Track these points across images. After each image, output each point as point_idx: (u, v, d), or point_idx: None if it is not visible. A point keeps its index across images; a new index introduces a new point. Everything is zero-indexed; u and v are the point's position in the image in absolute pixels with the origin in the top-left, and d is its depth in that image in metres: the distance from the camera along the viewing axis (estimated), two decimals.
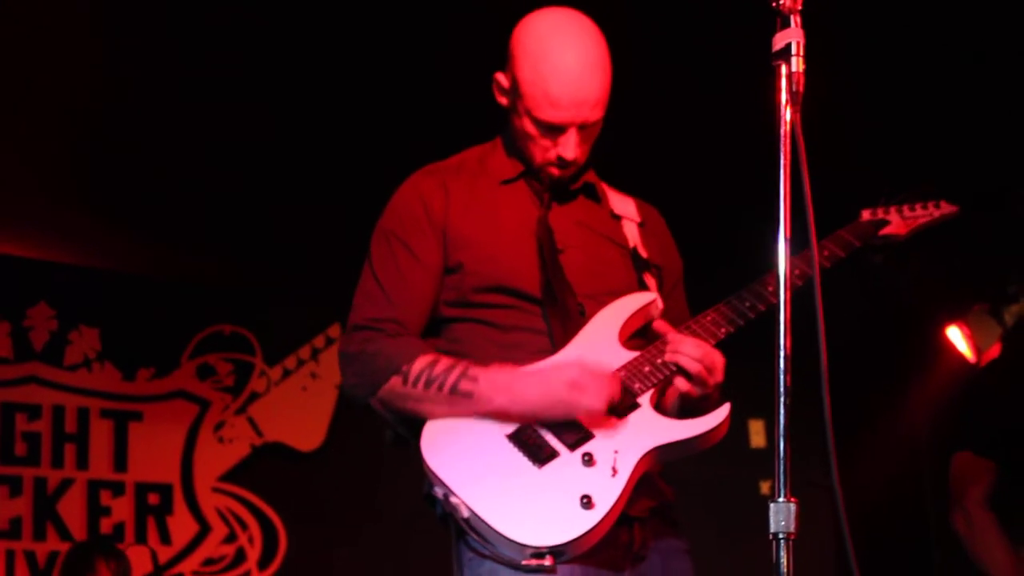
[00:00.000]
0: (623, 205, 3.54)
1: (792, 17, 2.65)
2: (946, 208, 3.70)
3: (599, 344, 3.27)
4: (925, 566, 7.68)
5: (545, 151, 3.34)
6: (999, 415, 4.59)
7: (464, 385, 3.14)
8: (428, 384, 3.16)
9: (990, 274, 6.74)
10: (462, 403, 3.14)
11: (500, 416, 3.13)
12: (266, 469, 8.15)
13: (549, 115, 3.26)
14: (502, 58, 3.40)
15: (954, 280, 6.67)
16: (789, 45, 2.64)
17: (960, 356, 6.95)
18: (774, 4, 2.66)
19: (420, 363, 3.16)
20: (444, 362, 3.17)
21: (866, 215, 3.62)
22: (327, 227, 3.39)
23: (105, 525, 7.78)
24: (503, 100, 3.42)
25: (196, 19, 5.43)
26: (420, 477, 3.19)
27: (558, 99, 3.25)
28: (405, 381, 3.16)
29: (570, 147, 3.32)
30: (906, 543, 7.15)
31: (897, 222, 3.64)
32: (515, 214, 3.40)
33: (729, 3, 3.42)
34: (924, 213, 3.67)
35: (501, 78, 3.39)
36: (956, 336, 6.93)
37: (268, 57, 5.70)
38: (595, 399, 3.06)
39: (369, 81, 5.81)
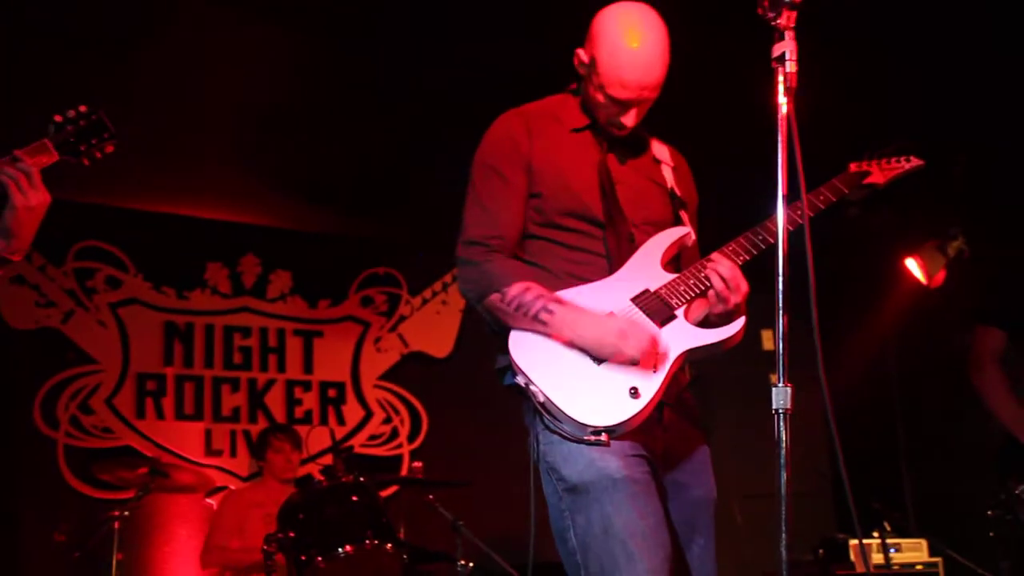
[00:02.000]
0: (661, 152, 3.53)
1: (786, 32, 2.65)
2: (915, 161, 3.68)
3: (645, 268, 3.23)
4: (890, 435, 7.61)
5: (610, 116, 3.30)
6: (1016, 299, 4.63)
7: (543, 315, 3.09)
8: (518, 307, 3.12)
9: (937, 220, 6.64)
10: (539, 327, 3.09)
11: (566, 340, 3.06)
12: (411, 371, 8.26)
13: (619, 94, 3.23)
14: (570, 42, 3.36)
15: (911, 224, 6.57)
16: (784, 53, 2.66)
17: (915, 280, 6.99)
18: (773, 23, 2.65)
19: (516, 288, 3.13)
20: (534, 291, 3.13)
21: (852, 167, 3.60)
22: (450, 191, 3.33)
23: (298, 412, 7.85)
24: (581, 70, 3.36)
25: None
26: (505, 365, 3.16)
27: (628, 83, 3.21)
28: (503, 299, 3.13)
29: (631, 118, 3.29)
30: (878, 417, 7.06)
31: (877, 173, 3.59)
32: (582, 155, 3.36)
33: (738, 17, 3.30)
34: (898, 165, 3.63)
35: (581, 53, 3.33)
36: (913, 265, 7.05)
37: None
38: (633, 351, 3.01)
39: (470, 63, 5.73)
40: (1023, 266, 4.82)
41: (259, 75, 5.85)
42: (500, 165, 3.33)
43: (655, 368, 3.05)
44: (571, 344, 3.10)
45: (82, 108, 3.16)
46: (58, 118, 3.12)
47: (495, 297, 3.17)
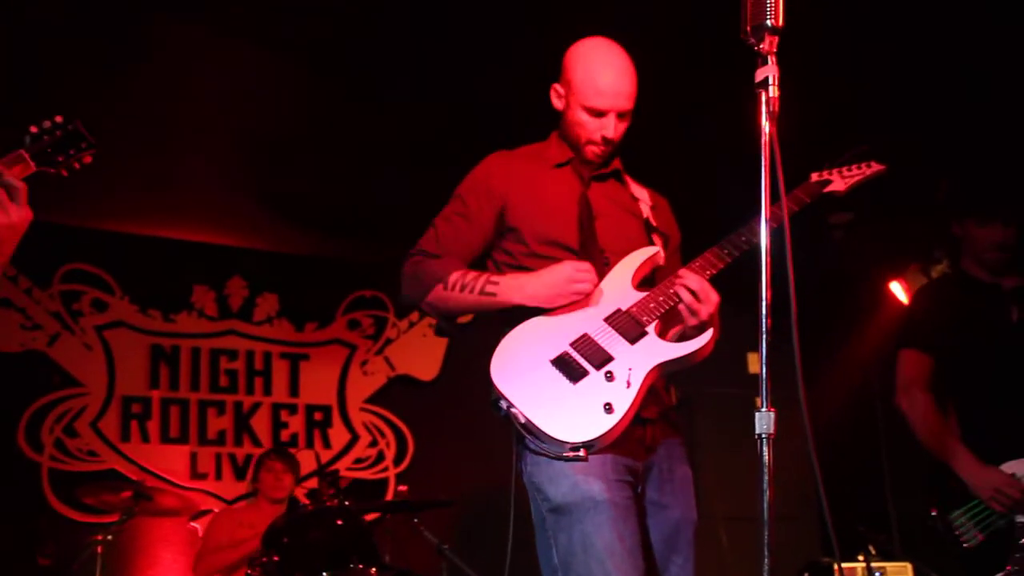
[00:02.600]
0: (639, 192, 3.62)
1: (769, 57, 2.65)
2: (876, 166, 3.67)
3: (617, 287, 3.30)
4: (875, 458, 7.62)
5: (591, 132, 3.40)
6: (933, 322, 4.51)
7: (489, 287, 3.29)
8: (463, 288, 3.31)
9: (921, 244, 6.65)
10: (488, 300, 3.29)
11: (513, 303, 3.26)
12: (397, 394, 8.26)
13: (596, 103, 3.37)
14: (555, 76, 3.48)
15: (894, 248, 6.57)
16: (767, 78, 2.65)
17: (899, 303, 7.03)
18: (756, 48, 2.65)
19: (456, 275, 3.33)
20: (473, 273, 3.34)
21: (814, 176, 3.61)
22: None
23: (284, 435, 7.87)
24: (558, 104, 3.50)
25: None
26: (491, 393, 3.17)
27: (602, 89, 3.36)
28: (446, 287, 3.32)
29: (610, 128, 3.38)
30: (862, 440, 7.06)
31: (837, 180, 3.61)
32: (563, 190, 3.46)
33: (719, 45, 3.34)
34: (859, 172, 3.64)
35: (557, 87, 3.50)
36: (897, 289, 7.12)
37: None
38: (586, 285, 3.20)
39: (450, 89, 5.75)
40: (954, 282, 4.73)
41: (246, 100, 5.86)
42: (467, 197, 3.47)
43: (628, 383, 3.10)
44: (520, 305, 3.22)
45: (58, 119, 3.11)
46: (34, 129, 3.07)
47: (438, 287, 3.34)
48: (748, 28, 2.65)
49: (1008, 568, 4.07)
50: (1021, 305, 4.43)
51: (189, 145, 6.19)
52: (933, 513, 4.29)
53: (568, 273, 3.21)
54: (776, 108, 2.63)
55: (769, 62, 2.64)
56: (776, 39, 2.65)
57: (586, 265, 3.25)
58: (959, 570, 4.28)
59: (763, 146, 2.62)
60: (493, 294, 3.26)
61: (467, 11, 5.11)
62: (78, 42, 5.20)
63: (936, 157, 6.02)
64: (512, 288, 3.26)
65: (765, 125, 2.62)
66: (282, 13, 5.16)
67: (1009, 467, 4.18)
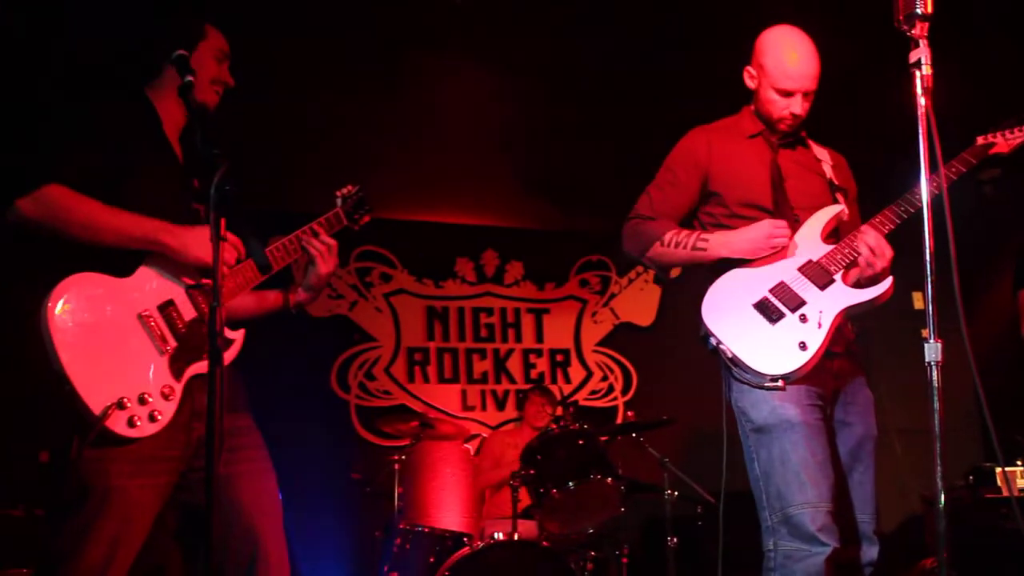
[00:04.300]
0: (821, 153, 3.54)
1: (921, 40, 2.55)
2: None
3: (808, 240, 3.25)
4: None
5: (781, 110, 3.34)
6: None
7: (700, 243, 3.26)
8: (677, 245, 3.29)
9: None
10: (699, 255, 3.27)
11: (721, 256, 3.24)
12: (622, 338, 8.18)
13: (785, 84, 3.30)
14: (747, 58, 3.42)
15: None
16: (920, 59, 2.56)
17: None
18: (908, 33, 2.56)
19: (670, 233, 3.31)
20: (685, 231, 3.31)
21: (980, 140, 3.41)
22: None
23: (533, 374, 7.89)
24: (751, 84, 3.42)
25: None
26: (700, 332, 3.20)
27: (791, 73, 3.29)
28: (662, 244, 3.31)
29: (797, 106, 3.32)
30: (1015, 365, 6.72)
31: (1001, 143, 3.40)
32: (756, 157, 3.40)
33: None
34: (1021, 135, 3.39)
35: (749, 69, 3.41)
36: None
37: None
38: (782, 240, 3.17)
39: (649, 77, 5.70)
40: None
41: (492, 111, 5.95)
42: (676, 167, 3.42)
43: (819, 324, 3.05)
44: (730, 255, 3.20)
45: (351, 188, 3.28)
46: (338, 194, 3.24)
47: (656, 244, 3.31)
48: (901, 16, 2.58)
49: None
50: None
51: (448, 149, 6.33)
52: None
53: (767, 230, 3.17)
54: (930, 84, 2.54)
55: (921, 45, 2.54)
56: (927, 24, 2.55)
57: (782, 222, 3.20)
58: None
59: (920, 118, 2.54)
60: (704, 249, 3.23)
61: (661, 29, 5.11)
62: (356, 79, 5.42)
63: None
64: (720, 244, 3.23)
65: (921, 100, 2.53)
66: (514, 39, 5.26)
67: None
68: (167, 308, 2.69)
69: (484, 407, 7.67)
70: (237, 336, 2.86)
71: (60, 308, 2.49)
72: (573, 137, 6.33)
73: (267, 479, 2.90)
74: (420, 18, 5.03)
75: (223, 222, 2.30)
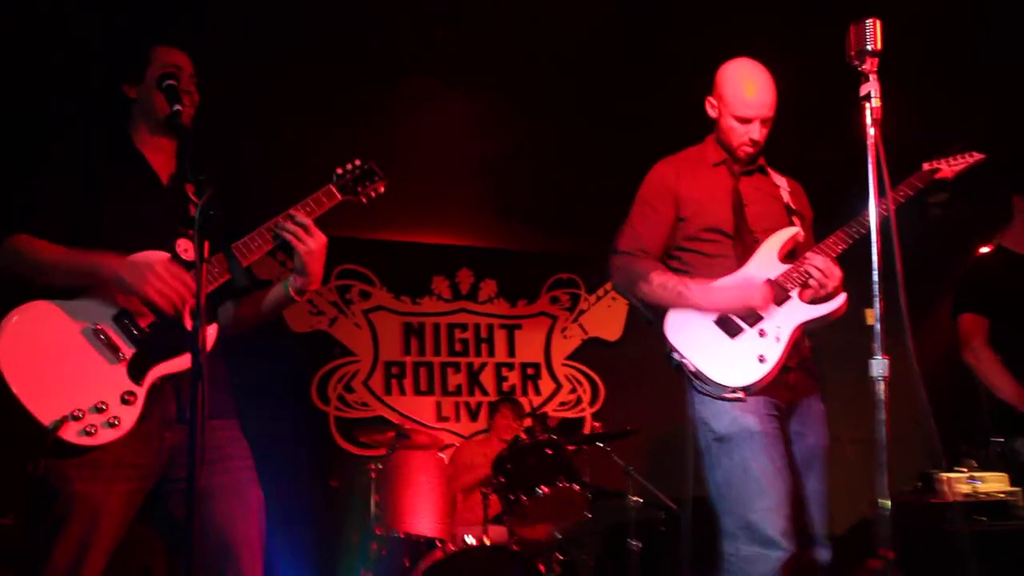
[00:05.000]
0: (779, 180, 3.53)
1: (871, 75, 2.58)
2: (977, 155, 3.51)
3: (766, 260, 3.26)
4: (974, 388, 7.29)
5: (740, 136, 3.32)
6: (984, 290, 4.36)
7: (683, 291, 3.18)
8: (663, 287, 3.21)
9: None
10: (682, 300, 3.18)
11: (702, 310, 3.15)
12: (590, 352, 8.19)
13: (744, 112, 3.29)
14: (708, 89, 3.42)
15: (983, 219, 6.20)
16: (870, 92, 2.58)
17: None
18: (860, 68, 2.59)
19: (658, 275, 3.24)
20: (673, 276, 3.25)
21: (925, 166, 3.45)
22: (616, 216, 3.37)
23: (505, 386, 7.89)
24: (712, 113, 3.41)
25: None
26: (664, 348, 3.21)
27: (749, 101, 3.29)
28: (649, 284, 3.23)
29: (756, 132, 3.30)
30: (959, 378, 6.78)
31: (945, 168, 3.45)
32: (719, 184, 3.39)
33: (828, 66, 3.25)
34: (963, 160, 3.47)
35: (710, 99, 3.41)
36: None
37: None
38: (758, 300, 3.12)
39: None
40: (997, 257, 4.46)
41: (469, 136, 5.92)
42: (651, 199, 3.38)
43: (777, 339, 3.06)
44: (706, 310, 3.15)
45: (357, 161, 3.04)
46: (339, 170, 3.00)
47: (643, 284, 3.24)
48: (853, 52, 2.59)
49: None
50: None
51: (427, 172, 6.30)
52: (999, 439, 4.14)
53: (747, 292, 3.14)
54: (879, 116, 2.55)
55: (871, 79, 2.56)
56: (876, 60, 2.58)
57: (763, 283, 3.16)
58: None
59: (869, 147, 2.57)
60: (686, 299, 3.17)
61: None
62: (339, 105, 5.39)
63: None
64: (701, 295, 3.17)
65: (871, 130, 2.56)
66: (490, 70, 5.26)
67: None
68: (121, 318, 2.63)
69: (458, 418, 7.63)
70: (208, 331, 2.71)
71: (9, 332, 2.52)
72: (545, 164, 6.28)
73: (247, 490, 2.78)
74: (403, 47, 5.01)
75: (207, 244, 2.29)
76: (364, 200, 3.05)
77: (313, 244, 2.84)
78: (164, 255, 2.66)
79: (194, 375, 2.20)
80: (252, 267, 2.86)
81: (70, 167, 2.79)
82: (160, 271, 2.57)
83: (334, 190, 2.95)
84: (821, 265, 3.12)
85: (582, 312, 8.18)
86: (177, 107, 2.63)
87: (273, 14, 4.57)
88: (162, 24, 3.98)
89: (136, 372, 2.60)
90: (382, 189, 3.08)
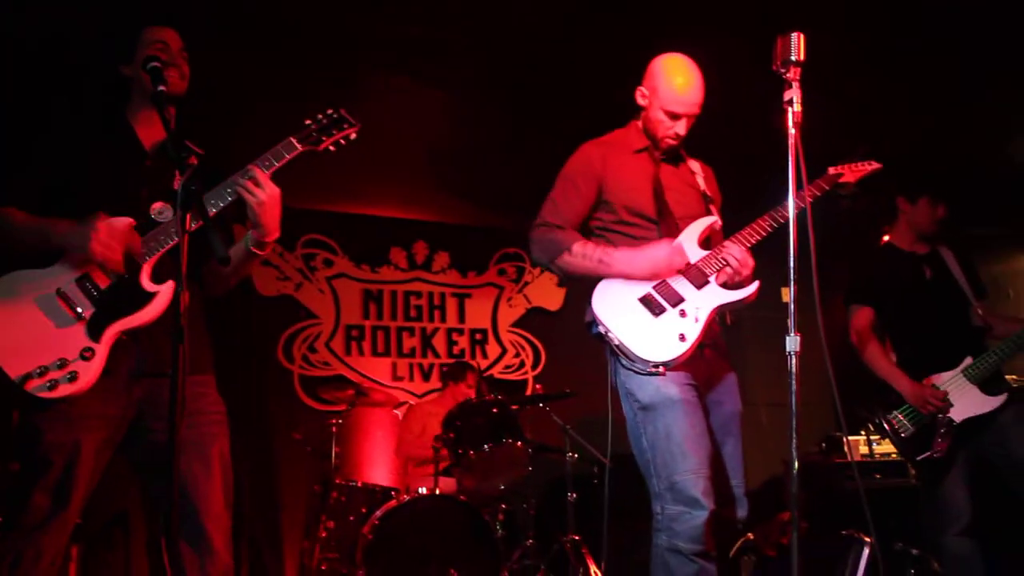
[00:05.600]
0: (694, 165, 3.53)
1: (794, 83, 2.63)
2: (874, 164, 3.59)
3: (686, 244, 3.27)
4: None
5: (667, 130, 3.32)
6: (871, 283, 4.47)
7: (606, 259, 3.18)
8: (584, 257, 3.20)
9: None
10: (602, 269, 3.17)
11: (625, 276, 3.17)
12: (533, 320, 8.16)
13: (675, 108, 3.29)
14: (639, 78, 3.41)
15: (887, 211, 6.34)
16: (792, 97, 2.63)
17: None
18: (784, 76, 2.64)
19: (579, 245, 3.22)
20: (592, 244, 3.24)
21: (831, 170, 3.53)
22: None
23: (455, 350, 7.85)
24: (642, 102, 3.38)
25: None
26: (588, 319, 3.24)
27: (681, 99, 3.28)
28: (570, 254, 3.21)
29: (682, 128, 3.33)
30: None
31: (848, 174, 3.53)
32: (641, 170, 3.38)
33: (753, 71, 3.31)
34: (863, 167, 3.56)
35: (642, 89, 3.38)
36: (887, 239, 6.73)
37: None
38: (680, 262, 3.17)
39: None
40: (883, 252, 4.56)
41: (426, 122, 5.94)
42: (574, 177, 3.35)
43: (696, 319, 3.09)
44: (627, 276, 3.15)
45: (328, 111, 2.92)
46: (307, 121, 2.89)
47: (563, 254, 3.22)
48: (779, 62, 2.65)
49: (933, 447, 4.05)
50: (931, 266, 4.35)
51: (387, 153, 6.30)
52: (880, 415, 4.27)
53: (667, 257, 3.15)
54: (800, 119, 2.62)
55: (794, 87, 2.62)
56: (799, 69, 2.63)
57: (680, 249, 3.18)
58: (900, 451, 4.27)
59: (791, 148, 2.63)
60: (608, 264, 3.17)
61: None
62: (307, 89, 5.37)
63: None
64: (623, 263, 3.17)
65: (792, 131, 2.62)
66: (444, 60, 5.27)
67: (930, 380, 4.13)
68: (84, 281, 2.67)
69: (412, 378, 7.64)
70: (162, 289, 2.71)
71: None
72: (495, 146, 6.32)
73: (209, 445, 2.74)
74: (365, 36, 5.01)
75: (188, 217, 2.32)
76: (333, 148, 2.92)
77: (263, 196, 2.73)
78: (123, 220, 2.67)
79: (175, 338, 2.24)
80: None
81: (55, 142, 2.82)
82: (101, 232, 2.59)
83: (294, 141, 2.85)
84: (738, 255, 3.15)
85: (526, 284, 8.16)
86: (161, 88, 2.62)
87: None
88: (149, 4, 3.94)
89: (95, 330, 2.63)
90: (353, 135, 2.95)
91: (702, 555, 3.00)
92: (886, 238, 4.61)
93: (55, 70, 4.71)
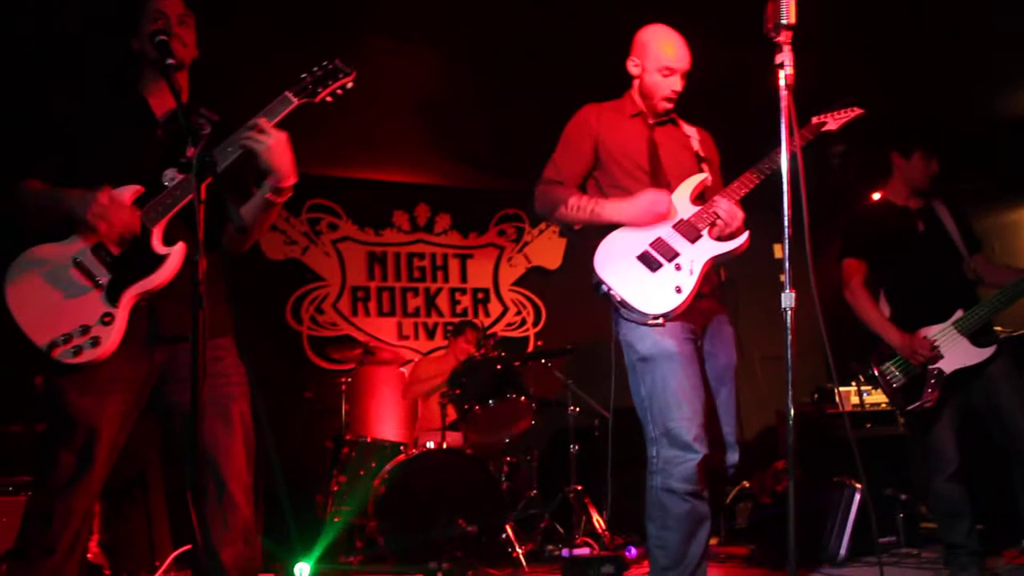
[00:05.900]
0: (689, 130, 3.55)
1: (785, 45, 2.64)
2: (857, 110, 3.57)
3: (680, 203, 3.30)
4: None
5: (663, 90, 3.36)
6: (865, 236, 4.45)
7: (597, 209, 3.26)
8: (578, 209, 3.28)
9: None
10: (595, 218, 3.26)
11: (616, 222, 3.24)
12: (533, 279, 8.20)
13: (669, 64, 3.34)
14: (627, 50, 3.45)
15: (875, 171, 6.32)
16: (783, 61, 2.65)
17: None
18: (775, 39, 2.64)
19: (574, 198, 3.30)
20: (587, 197, 3.32)
21: (814, 119, 3.53)
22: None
23: (458, 309, 7.90)
24: (634, 71, 3.44)
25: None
26: (593, 279, 3.25)
27: (673, 57, 3.34)
28: (567, 207, 3.30)
29: (678, 83, 3.37)
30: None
31: (831, 122, 3.53)
32: (636, 133, 3.42)
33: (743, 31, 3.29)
34: (846, 115, 3.54)
35: (633, 59, 3.44)
36: (877, 196, 6.67)
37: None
38: (664, 206, 3.20)
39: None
40: (878, 207, 4.48)
41: (428, 86, 5.90)
42: (572, 138, 3.41)
43: (691, 272, 3.14)
44: (620, 221, 3.21)
45: (323, 62, 2.86)
46: (303, 75, 2.84)
47: (561, 207, 3.30)
48: (770, 25, 2.65)
49: (923, 397, 4.08)
50: (924, 220, 4.33)
51: (389, 117, 6.30)
52: (872, 366, 4.28)
53: (651, 204, 3.20)
54: (791, 81, 2.63)
55: (785, 49, 2.63)
56: (790, 33, 2.63)
57: (664, 195, 3.22)
58: (892, 401, 4.29)
59: (782, 109, 2.64)
60: (599, 214, 3.25)
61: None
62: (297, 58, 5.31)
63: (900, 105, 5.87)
64: (613, 211, 3.24)
65: (783, 91, 2.63)
66: (446, 24, 5.23)
67: (921, 332, 4.14)
68: (99, 249, 2.68)
69: (417, 337, 7.69)
70: (173, 251, 2.70)
71: (12, 273, 2.63)
72: (495, 109, 6.29)
73: (228, 406, 2.74)
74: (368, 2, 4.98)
75: (204, 186, 2.34)
76: (330, 99, 2.88)
77: (270, 140, 2.69)
78: (128, 188, 2.68)
79: (194, 302, 2.26)
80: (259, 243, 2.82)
81: (70, 115, 2.81)
82: (101, 200, 2.60)
83: (289, 95, 2.81)
84: (726, 207, 3.18)
85: (526, 243, 8.22)
86: (170, 61, 2.61)
87: None
88: None
89: (112, 295, 2.65)
90: (350, 84, 2.90)
91: (695, 495, 3.08)
92: (879, 194, 4.59)
93: (65, 44, 4.69)
